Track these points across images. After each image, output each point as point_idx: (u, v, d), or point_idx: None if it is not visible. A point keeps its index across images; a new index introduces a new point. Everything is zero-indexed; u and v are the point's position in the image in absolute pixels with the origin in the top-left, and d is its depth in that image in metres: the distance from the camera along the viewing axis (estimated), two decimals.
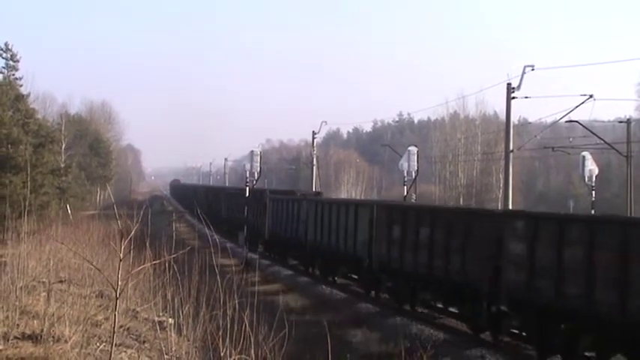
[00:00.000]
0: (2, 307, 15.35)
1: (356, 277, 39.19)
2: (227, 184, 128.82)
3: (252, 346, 11.45)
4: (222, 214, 68.41)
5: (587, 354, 22.01)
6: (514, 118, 46.39)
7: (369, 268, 35.68)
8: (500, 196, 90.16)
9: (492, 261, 25.15)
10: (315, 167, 71.24)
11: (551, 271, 21.92)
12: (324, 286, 39.66)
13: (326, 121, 70.99)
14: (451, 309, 29.93)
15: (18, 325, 14.67)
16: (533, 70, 40.80)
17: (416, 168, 55.79)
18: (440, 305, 30.78)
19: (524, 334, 24.57)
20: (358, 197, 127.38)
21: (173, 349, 13.47)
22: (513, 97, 41.54)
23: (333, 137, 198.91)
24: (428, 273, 29.56)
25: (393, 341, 24.91)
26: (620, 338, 20.40)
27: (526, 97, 42.08)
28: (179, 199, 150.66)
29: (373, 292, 35.91)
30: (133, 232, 11.04)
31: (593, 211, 47.97)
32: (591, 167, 51.13)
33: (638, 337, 19.39)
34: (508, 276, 24.14)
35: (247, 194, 55.92)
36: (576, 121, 47.51)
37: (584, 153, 51.96)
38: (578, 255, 21.00)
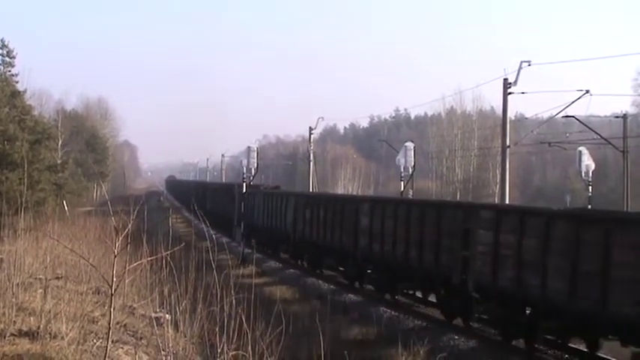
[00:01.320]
0: None
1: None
2: (224, 180, 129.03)
3: (250, 341, 11.46)
4: (207, 207, 72.96)
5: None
6: (511, 114, 46.50)
7: (293, 243, 46.49)
8: (497, 191, 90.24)
9: (354, 232, 36.11)
10: (311, 163, 71.31)
11: (378, 236, 33.22)
12: (272, 261, 49.40)
13: (323, 117, 71.29)
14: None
15: (14, 321, 14.65)
16: (529, 65, 40.86)
17: (413, 163, 55.96)
18: (341, 268, 40.44)
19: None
20: (355, 193, 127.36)
21: (170, 345, 13.45)
22: (510, 93, 41.55)
23: (329, 133, 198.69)
24: (323, 244, 41.09)
25: (304, 295, 36.10)
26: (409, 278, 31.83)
27: (523, 93, 42.12)
28: (175, 195, 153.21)
29: (299, 262, 46.64)
30: (128, 228, 11.04)
31: (589, 206, 47.98)
32: (588, 162, 51.20)
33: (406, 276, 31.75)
34: (360, 242, 35.40)
35: (244, 190, 55.97)
36: (573, 117, 47.60)
37: (580, 148, 52.02)
38: (388, 224, 32.33)
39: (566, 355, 23.03)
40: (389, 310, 31.14)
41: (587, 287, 20.28)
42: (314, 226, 42.71)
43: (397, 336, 24.14)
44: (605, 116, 71.52)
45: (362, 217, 35.51)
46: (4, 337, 13.72)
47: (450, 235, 27.37)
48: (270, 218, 51.90)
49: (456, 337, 25.93)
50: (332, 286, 38.38)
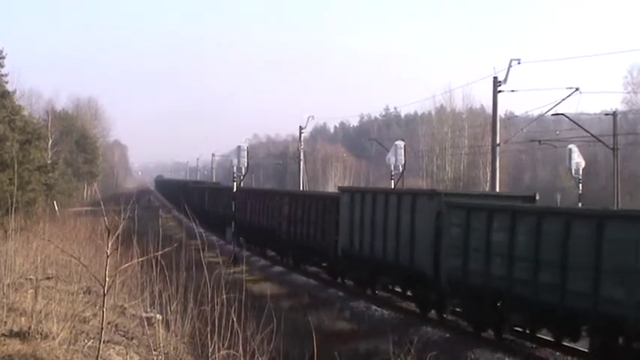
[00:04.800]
0: None
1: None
2: (214, 180, 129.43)
3: (241, 341, 11.46)
4: (182, 202, 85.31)
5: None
6: (501, 112, 46.70)
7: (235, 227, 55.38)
8: (487, 189, 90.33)
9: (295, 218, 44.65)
10: (302, 162, 71.37)
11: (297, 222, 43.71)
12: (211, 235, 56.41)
13: (313, 116, 71.29)
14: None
15: (5, 322, 14.62)
16: (519, 63, 40.93)
17: (403, 162, 56.02)
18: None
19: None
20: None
21: (161, 345, 13.46)
22: (500, 91, 41.60)
23: (320, 132, 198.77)
24: (259, 228, 52.50)
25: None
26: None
27: (512, 91, 42.18)
28: (164, 194, 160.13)
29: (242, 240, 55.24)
30: (120, 229, 11.04)
31: (580, 204, 48.10)
32: (578, 160, 51.26)
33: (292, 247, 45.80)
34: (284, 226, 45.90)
35: (235, 189, 55.99)
36: (563, 114, 47.68)
37: (570, 146, 52.12)
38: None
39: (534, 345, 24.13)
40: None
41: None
42: (254, 215, 53.88)
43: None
44: (595, 114, 71.80)
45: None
46: None
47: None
48: (210, 207, 66.04)
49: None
50: (268, 262, 48.94)
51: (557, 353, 23.08)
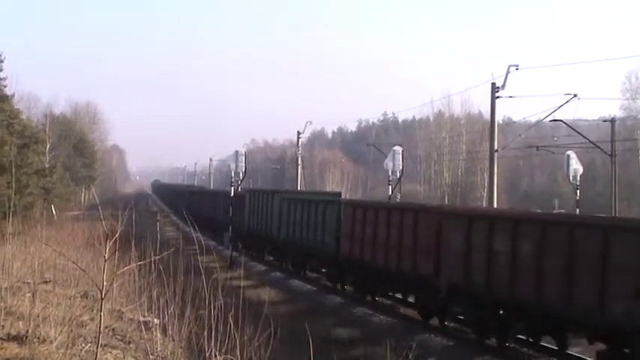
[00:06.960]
0: None
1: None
2: (212, 185, 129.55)
3: (238, 346, 11.46)
4: (175, 203, 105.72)
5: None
6: (499, 118, 46.56)
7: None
8: (484, 195, 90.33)
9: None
10: (299, 167, 71.33)
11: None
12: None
13: (311, 121, 71.16)
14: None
15: (3, 326, 14.61)
16: (517, 69, 40.88)
17: (401, 167, 55.88)
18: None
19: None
20: (343, 197, 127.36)
21: (158, 349, 13.45)
22: (498, 97, 41.58)
23: (317, 137, 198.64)
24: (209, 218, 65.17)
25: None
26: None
27: (510, 97, 42.16)
28: (160, 197, 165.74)
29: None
30: (118, 233, 11.04)
31: (577, 210, 48.12)
32: (576, 166, 51.17)
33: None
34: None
35: (232, 194, 56.03)
36: (561, 120, 47.68)
37: (568, 152, 52.03)
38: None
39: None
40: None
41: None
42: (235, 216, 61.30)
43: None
44: (593, 120, 71.67)
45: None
46: None
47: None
48: (187, 206, 78.95)
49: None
50: (244, 257, 52.43)
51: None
